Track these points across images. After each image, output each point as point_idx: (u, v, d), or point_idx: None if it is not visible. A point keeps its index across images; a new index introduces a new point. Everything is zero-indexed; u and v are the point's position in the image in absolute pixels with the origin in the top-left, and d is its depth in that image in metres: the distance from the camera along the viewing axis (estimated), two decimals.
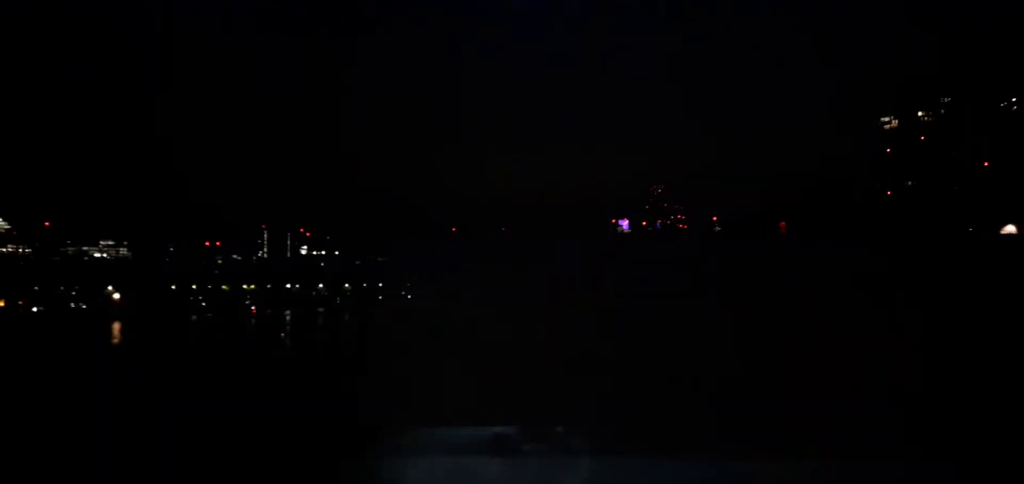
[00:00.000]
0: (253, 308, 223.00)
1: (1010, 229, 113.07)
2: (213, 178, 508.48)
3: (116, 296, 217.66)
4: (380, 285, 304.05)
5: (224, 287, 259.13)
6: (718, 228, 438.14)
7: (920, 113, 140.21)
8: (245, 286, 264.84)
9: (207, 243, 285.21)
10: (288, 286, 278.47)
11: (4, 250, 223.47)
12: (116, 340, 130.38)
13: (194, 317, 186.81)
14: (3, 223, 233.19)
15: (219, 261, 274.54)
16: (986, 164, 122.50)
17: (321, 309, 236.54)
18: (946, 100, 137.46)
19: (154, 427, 47.16)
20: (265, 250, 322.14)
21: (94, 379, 71.86)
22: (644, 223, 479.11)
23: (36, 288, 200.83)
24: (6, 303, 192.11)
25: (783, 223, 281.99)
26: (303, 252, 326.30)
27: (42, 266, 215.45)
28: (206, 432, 46.31)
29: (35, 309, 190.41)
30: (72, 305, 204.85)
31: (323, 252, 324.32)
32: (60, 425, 50.41)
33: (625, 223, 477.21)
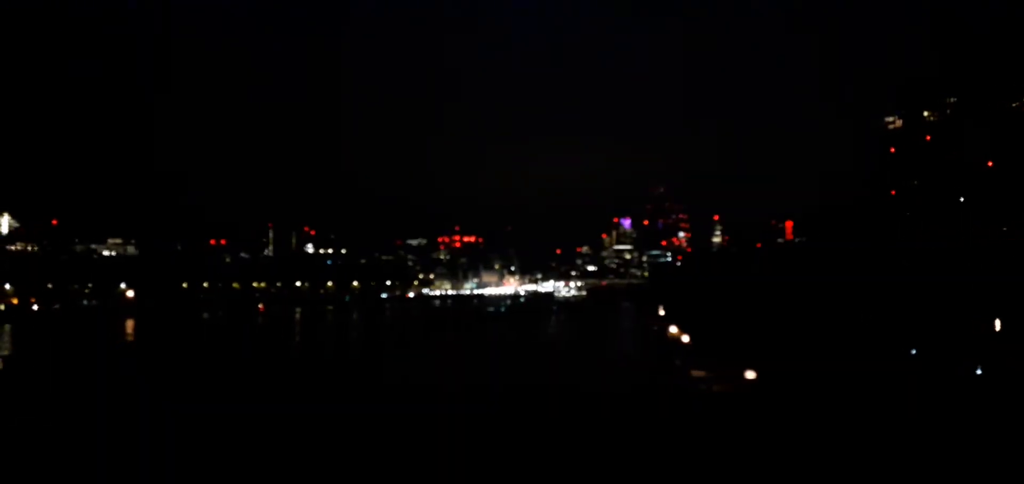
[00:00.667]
0: (261, 306, 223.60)
1: None
2: (217, 177, 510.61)
3: (130, 294, 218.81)
4: (388, 283, 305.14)
5: (235, 284, 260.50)
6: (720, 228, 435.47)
7: (925, 113, 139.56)
8: (256, 284, 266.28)
9: (212, 242, 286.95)
10: (297, 284, 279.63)
11: (13, 248, 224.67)
12: (129, 338, 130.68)
13: (206, 315, 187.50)
14: (12, 221, 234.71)
15: (227, 260, 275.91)
16: (990, 164, 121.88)
17: (330, 307, 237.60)
18: (952, 100, 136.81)
19: (154, 427, 47.73)
20: (270, 248, 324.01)
21: (97, 379, 72.39)
22: (646, 223, 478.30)
23: (49, 286, 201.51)
24: (19, 302, 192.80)
25: (790, 223, 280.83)
26: (310, 250, 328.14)
27: (52, 264, 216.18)
28: (206, 432, 47.07)
29: (36, 307, 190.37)
30: (85, 302, 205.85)
31: (330, 251, 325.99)
32: (63, 424, 51.12)
33: (627, 222, 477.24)
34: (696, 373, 62.21)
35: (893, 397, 49.24)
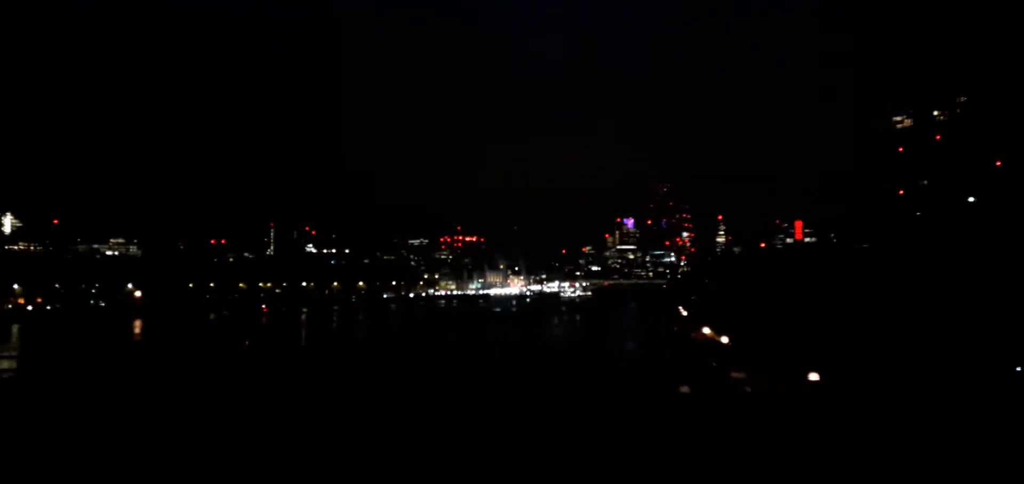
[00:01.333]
0: (264, 307, 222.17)
1: None
2: (217, 177, 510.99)
3: (137, 294, 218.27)
4: (394, 284, 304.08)
5: (241, 285, 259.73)
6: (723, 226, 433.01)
7: (935, 112, 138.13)
8: (261, 284, 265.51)
9: (213, 241, 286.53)
10: (303, 284, 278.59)
11: (15, 247, 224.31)
12: (137, 337, 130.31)
13: (212, 315, 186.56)
14: (14, 220, 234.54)
15: (231, 259, 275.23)
16: (999, 164, 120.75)
17: (335, 307, 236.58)
18: (962, 99, 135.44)
19: (155, 427, 47.12)
20: (272, 248, 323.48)
21: (98, 380, 71.87)
22: (649, 222, 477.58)
23: (57, 286, 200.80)
24: (25, 301, 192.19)
25: (799, 223, 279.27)
26: (313, 250, 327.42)
27: (56, 263, 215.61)
28: (206, 432, 46.39)
29: (30, 308, 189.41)
30: (91, 302, 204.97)
31: (334, 251, 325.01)
32: (65, 424, 50.59)
33: (630, 222, 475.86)
34: (736, 375, 61.24)
35: (948, 396, 49.00)
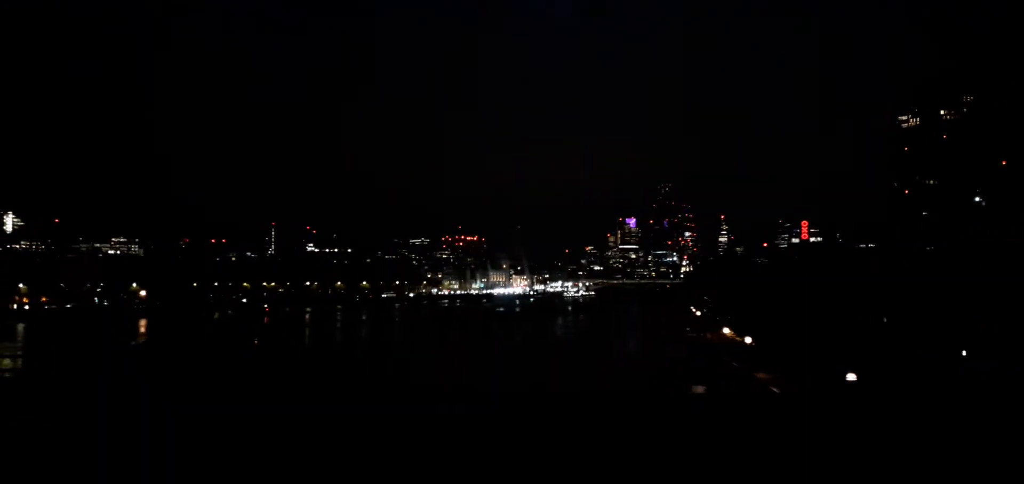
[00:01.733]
0: (267, 307, 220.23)
1: None
2: (217, 177, 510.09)
3: (142, 293, 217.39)
4: (396, 283, 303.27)
5: (245, 284, 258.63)
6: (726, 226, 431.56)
7: (942, 111, 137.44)
8: (265, 283, 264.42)
9: (214, 241, 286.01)
10: (307, 284, 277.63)
11: (17, 246, 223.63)
12: (141, 337, 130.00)
13: (217, 315, 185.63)
14: (16, 219, 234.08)
15: (233, 258, 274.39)
16: (1003, 163, 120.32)
17: (339, 307, 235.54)
18: (969, 98, 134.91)
19: (155, 427, 46.82)
20: (273, 247, 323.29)
21: (99, 380, 71.54)
22: (651, 222, 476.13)
23: (61, 285, 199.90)
24: (29, 300, 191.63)
25: (805, 222, 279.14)
26: (313, 249, 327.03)
27: (59, 262, 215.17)
28: (206, 432, 46.08)
29: (28, 307, 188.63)
30: (96, 302, 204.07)
31: (335, 250, 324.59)
32: (64, 423, 50.42)
33: (632, 222, 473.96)
34: (761, 376, 61.07)
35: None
